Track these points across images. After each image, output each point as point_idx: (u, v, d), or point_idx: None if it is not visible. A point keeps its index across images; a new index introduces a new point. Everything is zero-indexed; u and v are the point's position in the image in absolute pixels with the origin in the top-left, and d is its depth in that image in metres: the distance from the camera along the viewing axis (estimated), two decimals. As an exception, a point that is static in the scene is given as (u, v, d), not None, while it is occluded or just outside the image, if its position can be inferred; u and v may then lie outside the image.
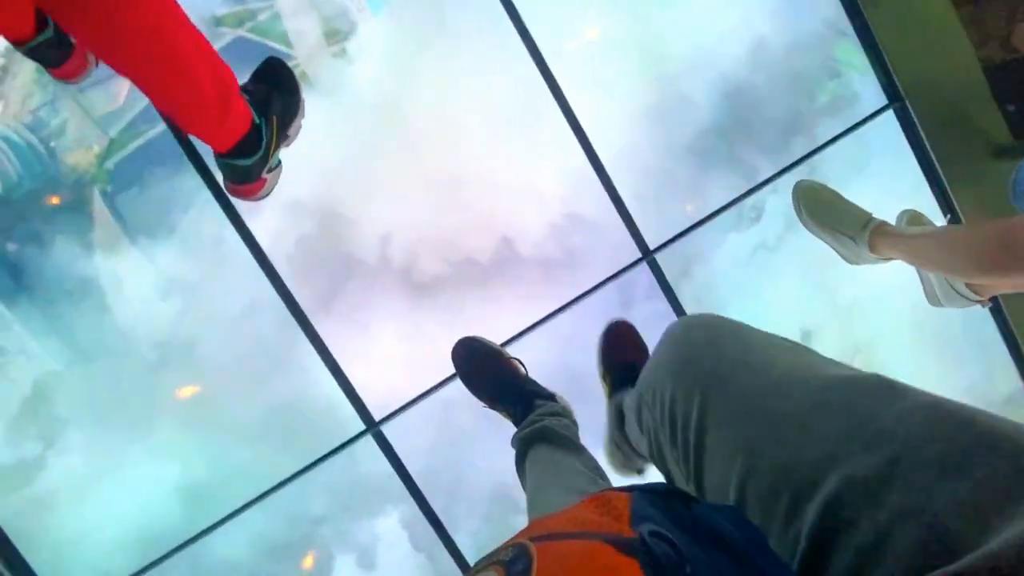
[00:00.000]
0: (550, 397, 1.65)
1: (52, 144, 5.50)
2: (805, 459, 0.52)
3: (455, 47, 5.99)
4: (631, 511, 0.50)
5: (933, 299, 1.87)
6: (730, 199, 2.41)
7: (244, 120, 1.10)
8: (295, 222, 6.30)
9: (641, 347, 1.63)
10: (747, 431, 0.62)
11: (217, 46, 5.01)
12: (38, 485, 5.45)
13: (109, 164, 5.62)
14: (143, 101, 4.98)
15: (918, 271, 1.97)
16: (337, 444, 2.10)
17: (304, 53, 5.85)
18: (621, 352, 1.59)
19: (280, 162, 1.30)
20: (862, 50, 2.37)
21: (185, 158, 1.86)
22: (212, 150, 1.15)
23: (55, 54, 1.13)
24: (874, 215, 1.68)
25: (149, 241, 5.61)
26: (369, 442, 2.09)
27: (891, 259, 1.71)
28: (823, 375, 0.61)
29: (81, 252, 5.47)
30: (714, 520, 0.52)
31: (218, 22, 5.71)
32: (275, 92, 1.20)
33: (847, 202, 1.80)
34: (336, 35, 5.56)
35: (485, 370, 1.69)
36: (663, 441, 0.81)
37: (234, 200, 1.81)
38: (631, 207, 2.28)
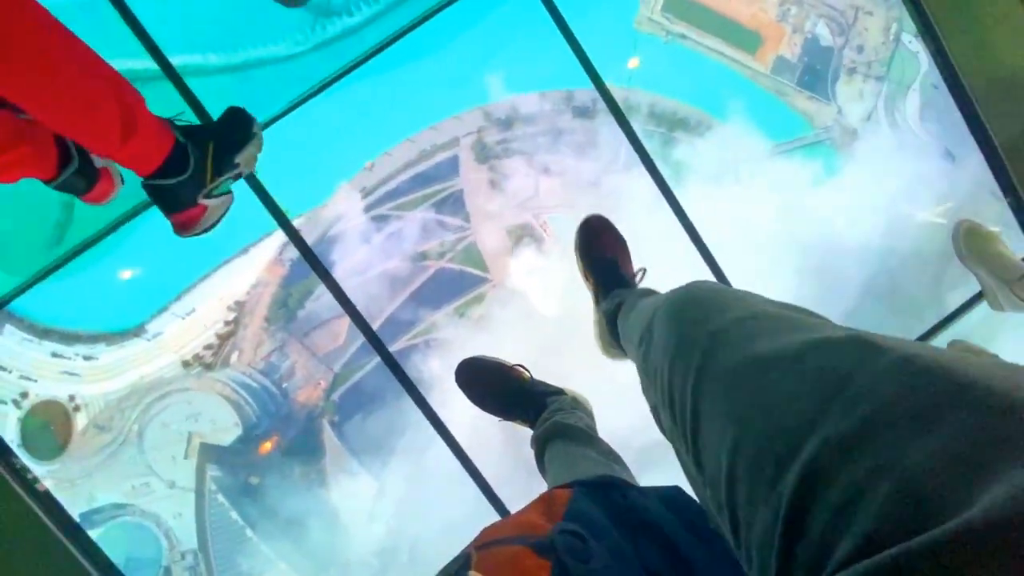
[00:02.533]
0: (559, 392, 1.65)
1: (284, 385, 6.31)
2: (786, 426, 0.53)
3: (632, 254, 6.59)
4: (568, 507, 0.56)
5: (996, 305, 1.99)
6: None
7: (159, 140, 1.09)
8: (488, 427, 6.83)
9: (619, 241, 1.62)
10: (734, 406, 0.63)
11: (422, 279, 5.77)
12: None
13: (335, 396, 6.39)
14: (360, 337, 5.74)
15: (978, 279, 2.04)
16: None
17: (499, 273, 6.58)
18: (599, 248, 1.60)
19: (230, 192, 1.27)
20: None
21: (398, 384, 2.05)
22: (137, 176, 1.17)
23: (83, 183, 1.19)
24: None
25: (373, 461, 6.27)
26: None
27: None
28: (802, 341, 0.61)
29: (315, 476, 6.17)
30: (647, 508, 0.59)
31: (422, 256, 6.48)
32: (221, 125, 1.23)
33: (1007, 249, 1.88)
34: (523, 253, 6.28)
35: (491, 384, 1.69)
36: (664, 417, 0.87)
37: (441, 415, 1.81)
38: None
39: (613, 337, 1.38)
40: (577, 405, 1.60)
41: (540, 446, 1.41)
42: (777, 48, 6.16)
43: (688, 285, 0.88)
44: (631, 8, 5.62)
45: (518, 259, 6.13)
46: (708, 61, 6.01)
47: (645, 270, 1.58)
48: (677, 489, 0.65)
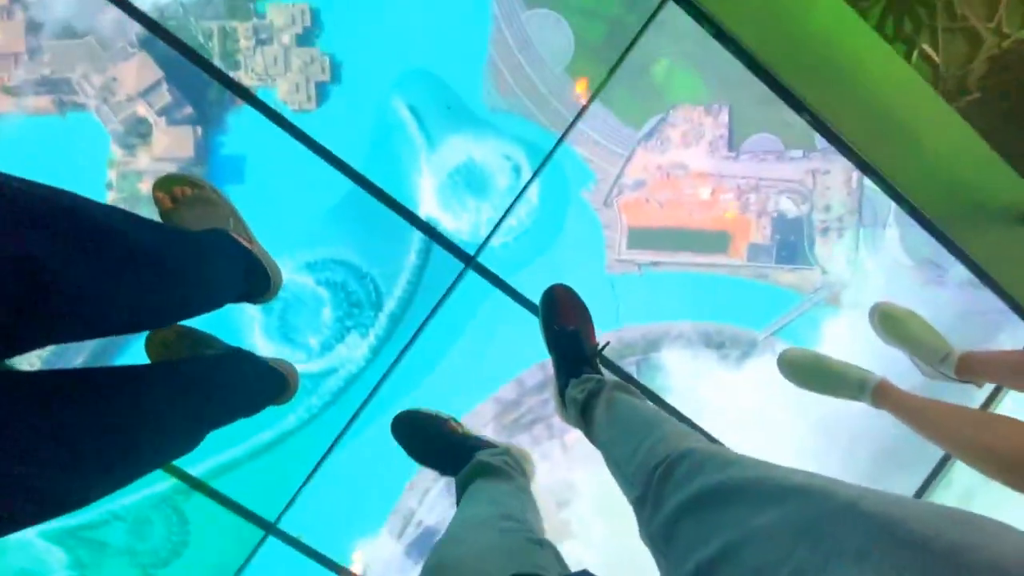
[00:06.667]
0: (492, 445, 1.57)
1: None
2: (769, 562, 0.59)
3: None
4: None
5: (928, 375, 2.09)
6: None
7: None
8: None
9: (582, 312, 1.60)
10: (721, 525, 0.70)
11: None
12: None
13: None
14: None
15: (907, 356, 2.10)
16: None
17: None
18: (562, 319, 1.59)
19: None
20: None
21: None
22: None
23: None
24: (869, 373, 1.73)
25: None
26: None
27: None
28: (783, 485, 0.69)
29: None
30: None
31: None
32: None
33: (838, 366, 1.82)
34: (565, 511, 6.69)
35: (425, 439, 1.66)
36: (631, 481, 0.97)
37: None
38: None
39: (579, 417, 1.37)
40: (507, 452, 1.54)
41: (460, 489, 1.42)
42: (748, 237, 6.22)
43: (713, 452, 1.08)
44: (598, 257, 5.76)
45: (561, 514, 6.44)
46: (685, 276, 6.12)
47: (608, 343, 1.65)
48: None
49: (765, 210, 6.24)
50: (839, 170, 6.29)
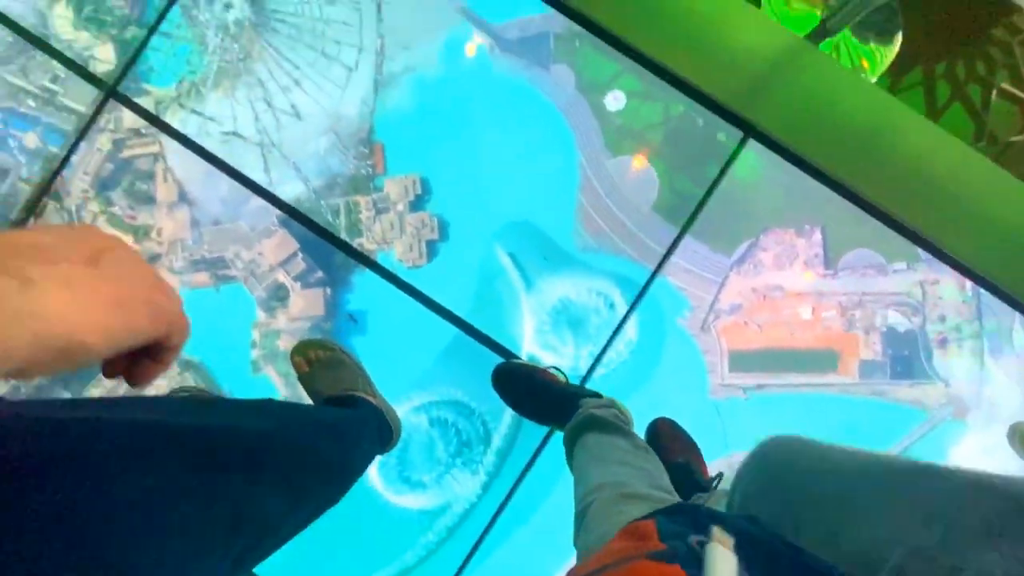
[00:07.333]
0: (595, 394, 1.52)
1: None
2: (877, 539, 0.58)
3: None
4: (659, 531, 0.52)
5: None
6: None
7: None
8: None
9: (688, 444, 1.50)
10: (826, 524, 0.68)
11: None
12: None
13: None
14: None
15: None
16: None
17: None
18: (669, 452, 1.48)
19: None
20: None
21: None
22: None
23: None
24: None
25: None
26: None
27: None
28: (887, 467, 0.68)
29: None
30: (738, 524, 0.56)
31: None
32: None
33: None
34: None
35: (525, 388, 1.57)
36: None
37: None
38: None
39: None
40: (613, 404, 1.46)
41: (570, 442, 1.35)
42: (857, 353, 6.09)
43: (774, 443, 0.89)
44: (700, 383, 5.81)
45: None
46: (794, 397, 6.01)
47: (722, 475, 1.48)
48: (750, 517, 0.65)
49: (873, 325, 6.07)
50: (949, 278, 6.07)
